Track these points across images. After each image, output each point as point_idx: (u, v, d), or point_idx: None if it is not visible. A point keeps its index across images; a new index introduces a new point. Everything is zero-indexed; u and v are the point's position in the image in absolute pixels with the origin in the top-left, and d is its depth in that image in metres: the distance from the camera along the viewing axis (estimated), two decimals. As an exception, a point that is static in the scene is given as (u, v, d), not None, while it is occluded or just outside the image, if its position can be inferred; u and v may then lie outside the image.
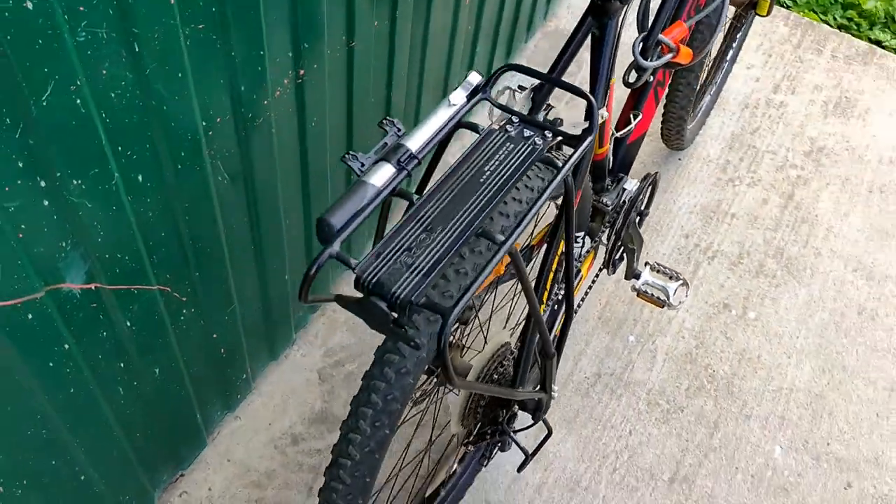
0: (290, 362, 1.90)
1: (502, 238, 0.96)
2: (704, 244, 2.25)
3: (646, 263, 1.83)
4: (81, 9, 0.85)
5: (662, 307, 1.81)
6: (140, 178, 1.07)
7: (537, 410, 1.41)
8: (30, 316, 0.99)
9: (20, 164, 0.88)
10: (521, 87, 1.21)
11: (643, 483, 1.81)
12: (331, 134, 1.52)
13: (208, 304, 1.41)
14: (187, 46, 1.03)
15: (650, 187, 1.77)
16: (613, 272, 1.83)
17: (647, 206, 1.82)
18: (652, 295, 1.81)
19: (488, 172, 1.03)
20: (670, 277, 1.82)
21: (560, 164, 1.03)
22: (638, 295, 1.82)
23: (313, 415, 1.84)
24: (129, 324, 1.21)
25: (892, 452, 1.90)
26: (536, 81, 1.20)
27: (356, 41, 1.43)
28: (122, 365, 1.25)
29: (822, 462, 1.88)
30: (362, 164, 1.02)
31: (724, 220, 2.30)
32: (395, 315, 0.92)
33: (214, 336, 1.48)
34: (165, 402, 1.44)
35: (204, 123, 1.14)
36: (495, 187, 1.01)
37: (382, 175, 0.99)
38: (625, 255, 1.83)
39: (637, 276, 1.81)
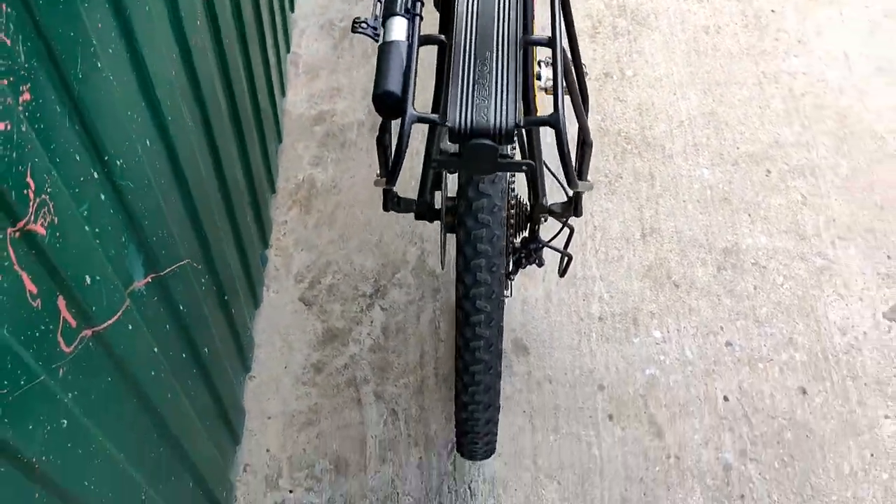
0: (269, 304, 1.82)
1: (548, 38, 0.97)
2: (561, 29, 2.33)
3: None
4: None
5: None
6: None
7: (577, 205, 1.25)
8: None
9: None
10: None
11: (624, 249, 1.96)
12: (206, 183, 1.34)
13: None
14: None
15: None
16: None
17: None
18: None
19: None
20: None
21: None
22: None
23: (319, 338, 1.79)
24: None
25: (785, 130, 2.16)
26: None
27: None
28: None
29: (741, 164, 2.11)
30: (375, 29, 0.98)
31: (565, 1, 2.39)
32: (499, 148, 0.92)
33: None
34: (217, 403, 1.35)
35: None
36: None
37: (399, 29, 0.95)
38: None
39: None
